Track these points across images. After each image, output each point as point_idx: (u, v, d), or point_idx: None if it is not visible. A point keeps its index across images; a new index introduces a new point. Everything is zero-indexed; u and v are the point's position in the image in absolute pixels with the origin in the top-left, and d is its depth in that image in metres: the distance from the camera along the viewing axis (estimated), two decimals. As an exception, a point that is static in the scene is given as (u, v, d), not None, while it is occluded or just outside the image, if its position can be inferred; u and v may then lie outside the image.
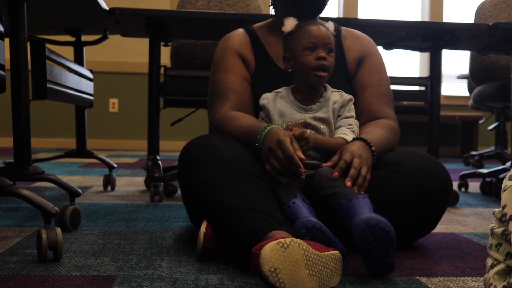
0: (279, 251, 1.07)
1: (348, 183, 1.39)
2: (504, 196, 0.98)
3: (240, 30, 1.76)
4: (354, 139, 1.50)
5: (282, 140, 1.38)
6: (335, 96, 1.57)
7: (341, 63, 1.71)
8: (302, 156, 1.38)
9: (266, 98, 1.59)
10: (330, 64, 1.53)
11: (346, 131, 1.54)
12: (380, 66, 1.74)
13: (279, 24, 1.71)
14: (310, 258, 1.11)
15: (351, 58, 1.72)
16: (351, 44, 1.74)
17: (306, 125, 1.53)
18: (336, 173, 1.40)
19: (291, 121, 1.53)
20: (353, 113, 1.59)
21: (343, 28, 1.79)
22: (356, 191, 1.38)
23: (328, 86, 1.60)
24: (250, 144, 1.50)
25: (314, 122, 1.54)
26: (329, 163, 1.44)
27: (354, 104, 1.62)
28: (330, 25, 1.59)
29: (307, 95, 1.57)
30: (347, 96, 1.58)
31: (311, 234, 1.26)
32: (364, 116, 1.67)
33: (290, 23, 1.58)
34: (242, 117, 1.58)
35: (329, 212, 1.41)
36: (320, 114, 1.55)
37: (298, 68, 1.55)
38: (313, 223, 1.27)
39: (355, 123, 1.58)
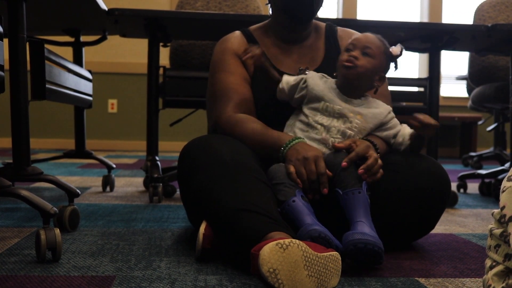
0: (278, 251, 1.07)
1: (360, 171, 1.42)
2: (503, 197, 0.98)
3: (237, 32, 1.77)
4: (362, 139, 1.53)
5: (320, 157, 1.44)
6: (377, 102, 1.60)
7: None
8: (330, 173, 1.43)
9: (311, 77, 1.59)
10: (361, 64, 1.54)
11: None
12: None
13: (275, 26, 1.72)
14: (309, 259, 1.11)
15: None
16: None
17: (342, 114, 1.54)
18: (345, 163, 1.42)
19: (331, 114, 1.54)
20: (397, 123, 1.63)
21: (339, 28, 1.80)
22: (368, 178, 1.42)
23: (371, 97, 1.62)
24: (266, 149, 1.52)
25: (351, 114, 1.54)
26: (341, 145, 1.46)
27: None
28: (396, 48, 1.60)
29: (346, 91, 1.58)
30: (388, 108, 1.61)
31: (317, 243, 1.27)
32: None
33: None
34: (254, 122, 1.59)
35: (327, 208, 1.44)
36: (358, 109, 1.55)
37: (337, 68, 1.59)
38: (318, 232, 1.28)
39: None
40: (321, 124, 1.53)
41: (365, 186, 1.40)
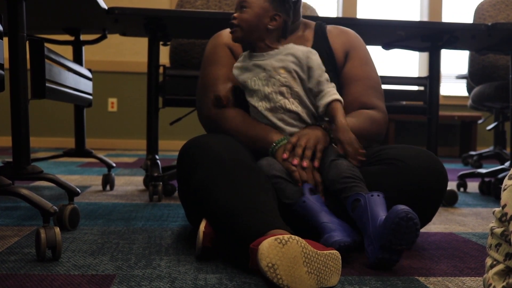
0: (277, 247, 1.07)
1: (294, 161, 1.47)
2: (504, 195, 0.97)
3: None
4: (308, 125, 1.57)
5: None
6: (295, 46, 1.61)
7: (328, 54, 1.75)
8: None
9: (234, 73, 1.64)
10: (240, 21, 1.58)
11: (331, 90, 1.58)
12: (367, 58, 1.78)
13: None
14: (309, 256, 1.11)
15: (338, 49, 1.77)
16: (336, 37, 1.79)
17: (267, 77, 1.56)
18: (285, 154, 1.50)
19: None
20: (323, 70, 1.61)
21: (329, 25, 1.84)
22: (304, 163, 1.47)
23: (290, 44, 1.63)
24: (255, 143, 1.57)
25: (274, 73, 1.57)
26: (287, 153, 1.50)
27: (343, 95, 1.69)
28: None
29: (255, 50, 1.62)
30: (312, 49, 1.61)
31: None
32: (353, 108, 1.69)
33: None
34: (243, 116, 1.62)
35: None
36: (277, 62, 1.57)
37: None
38: (338, 244, 1.31)
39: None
40: (262, 101, 1.57)
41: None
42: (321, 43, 1.76)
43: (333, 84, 1.59)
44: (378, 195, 1.37)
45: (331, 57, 1.75)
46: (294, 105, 1.56)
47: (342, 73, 1.75)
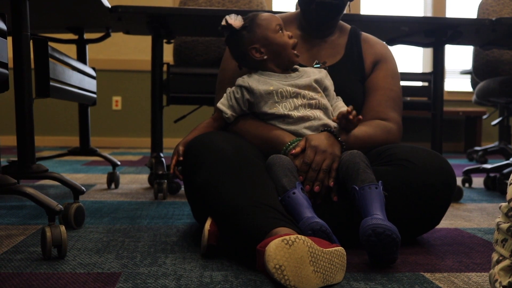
0: (284, 248, 1.07)
1: (316, 188, 1.46)
2: (510, 190, 0.97)
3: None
4: (321, 131, 1.55)
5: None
6: (311, 69, 1.65)
7: (359, 62, 1.77)
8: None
9: (242, 78, 1.61)
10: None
11: (340, 103, 1.66)
12: (394, 72, 1.79)
13: (301, 19, 1.77)
14: (315, 255, 1.11)
15: (368, 59, 1.78)
16: (369, 47, 1.80)
17: (297, 94, 1.57)
18: (293, 150, 1.50)
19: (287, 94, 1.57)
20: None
21: (363, 33, 1.85)
22: (317, 187, 1.45)
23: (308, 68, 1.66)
24: (266, 145, 1.56)
25: (302, 91, 1.58)
26: (297, 149, 1.50)
27: (364, 104, 1.73)
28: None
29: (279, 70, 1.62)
30: (323, 70, 1.65)
31: (317, 236, 1.27)
32: (368, 115, 1.71)
33: (238, 20, 1.60)
34: (255, 120, 1.61)
35: (325, 202, 1.48)
36: (301, 81, 1.59)
37: (277, 50, 1.59)
38: (319, 225, 1.28)
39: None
40: (290, 111, 1.56)
41: (381, 185, 1.40)
42: (354, 51, 1.78)
43: (340, 98, 1.67)
44: (370, 188, 1.36)
45: (361, 66, 1.76)
46: (319, 116, 1.57)
47: (366, 82, 1.76)
